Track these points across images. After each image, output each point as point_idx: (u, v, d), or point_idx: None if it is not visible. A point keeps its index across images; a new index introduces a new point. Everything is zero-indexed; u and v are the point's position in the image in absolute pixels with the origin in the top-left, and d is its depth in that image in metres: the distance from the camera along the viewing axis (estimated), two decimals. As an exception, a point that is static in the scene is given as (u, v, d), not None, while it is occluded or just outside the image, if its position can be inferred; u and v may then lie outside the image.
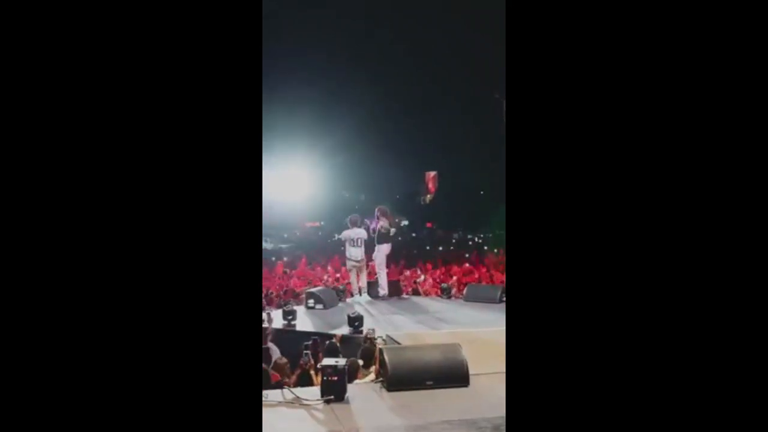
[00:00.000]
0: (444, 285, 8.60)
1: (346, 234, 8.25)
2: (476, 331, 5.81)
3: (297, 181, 16.82)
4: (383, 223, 8.15)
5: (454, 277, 9.93)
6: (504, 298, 7.91)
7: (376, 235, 8.11)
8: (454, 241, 22.03)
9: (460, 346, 4.03)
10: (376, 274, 8.36)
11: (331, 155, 22.84)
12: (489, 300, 7.86)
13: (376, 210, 8.28)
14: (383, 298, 8.07)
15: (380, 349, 3.98)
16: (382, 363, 3.88)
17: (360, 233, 8.26)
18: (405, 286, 9.05)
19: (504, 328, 5.76)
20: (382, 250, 8.13)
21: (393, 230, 8.26)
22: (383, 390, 3.78)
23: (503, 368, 4.06)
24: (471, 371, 3.96)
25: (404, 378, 3.80)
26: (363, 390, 3.85)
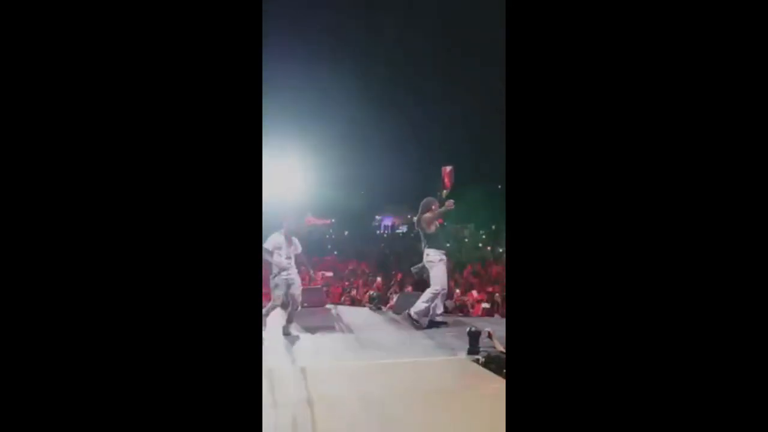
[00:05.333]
0: (372, 294, 6.92)
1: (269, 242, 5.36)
2: (355, 365, 4.17)
3: (305, 175, 15.45)
4: (429, 217, 5.83)
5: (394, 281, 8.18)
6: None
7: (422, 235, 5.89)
8: (465, 239, 20.57)
9: None
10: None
11: (328, 149, 21.33)
12: (423, 313, 6.17)
13: (426, 202, 5.93)
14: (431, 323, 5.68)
15: None
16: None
17: (278, 243, 5.33)
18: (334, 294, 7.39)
19: (416, 360, 4.30)
20: (432, 257, 5.77)
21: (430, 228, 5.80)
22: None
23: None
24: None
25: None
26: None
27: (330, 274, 8.39)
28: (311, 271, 6.42)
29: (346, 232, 32.83)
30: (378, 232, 30.58)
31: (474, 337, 4.76)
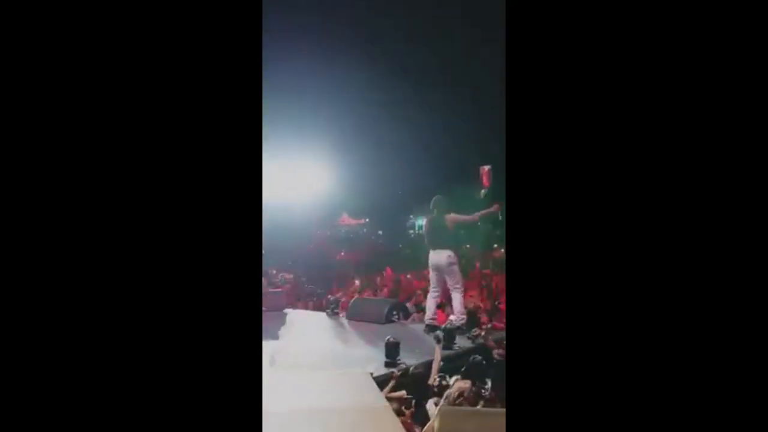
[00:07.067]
0: (330, 298, 6.64)
1: None
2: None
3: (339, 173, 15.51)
4: (455, 218, 5.68)
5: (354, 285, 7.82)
6: (394, 317, 6.02)
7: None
8: (491, 240, 20.06)
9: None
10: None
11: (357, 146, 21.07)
12: (374, 319, 5.93)
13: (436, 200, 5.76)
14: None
15: None
16: None
17: None
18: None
19: (313, 373, 4.07)
20: (452, 258, 5.63)
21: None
22: None
23: None
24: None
25: None
26: None
27: (290, 275, 8.18)
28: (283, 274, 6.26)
29: (380, 232, 32.40)
30: (410, 231, 30.13)
31: (391, 348, 4.44)
